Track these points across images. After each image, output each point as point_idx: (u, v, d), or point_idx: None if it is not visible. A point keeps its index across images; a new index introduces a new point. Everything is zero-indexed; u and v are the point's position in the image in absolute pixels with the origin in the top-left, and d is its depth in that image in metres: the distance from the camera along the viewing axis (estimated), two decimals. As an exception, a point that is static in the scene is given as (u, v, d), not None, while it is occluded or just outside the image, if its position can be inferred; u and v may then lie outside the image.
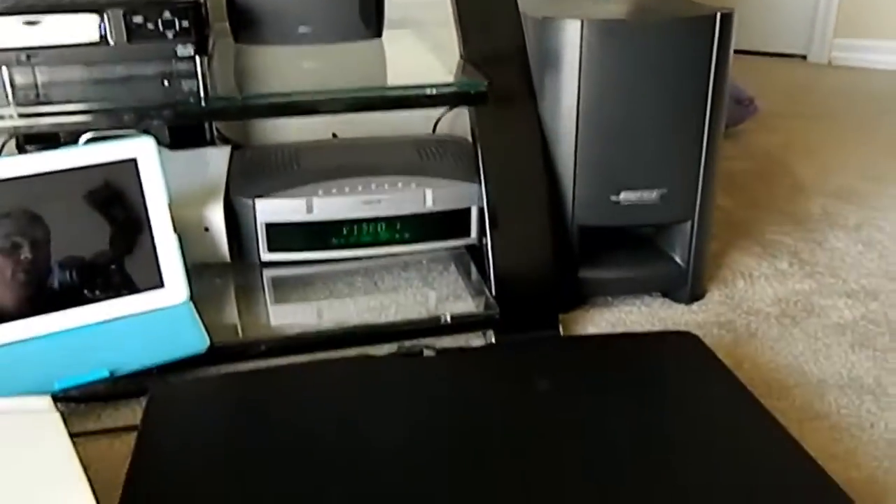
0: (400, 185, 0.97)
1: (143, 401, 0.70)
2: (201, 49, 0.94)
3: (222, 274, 0.99)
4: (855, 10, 2.32)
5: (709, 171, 0.92)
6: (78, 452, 0.57)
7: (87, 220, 0.83)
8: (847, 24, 2.34)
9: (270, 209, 0.95)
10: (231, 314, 0.94)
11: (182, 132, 1.17)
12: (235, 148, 1.10)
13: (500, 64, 0.93)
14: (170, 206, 0.85)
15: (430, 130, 1.25)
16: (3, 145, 1.10)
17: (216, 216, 0.93)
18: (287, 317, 0.94)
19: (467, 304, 0.93)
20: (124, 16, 0.90)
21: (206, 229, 0.94)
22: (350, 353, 0.85)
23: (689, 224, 0.95)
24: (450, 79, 0.95)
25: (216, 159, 1.04)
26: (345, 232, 0.98)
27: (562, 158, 0.92)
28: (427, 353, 0.78)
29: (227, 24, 1.07)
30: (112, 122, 0.82)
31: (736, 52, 0.91)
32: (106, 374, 0.75)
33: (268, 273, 0.99)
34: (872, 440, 0.73)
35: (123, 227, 0.84)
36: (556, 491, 0.58)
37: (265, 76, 1.02)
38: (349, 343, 0.88)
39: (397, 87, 0.92)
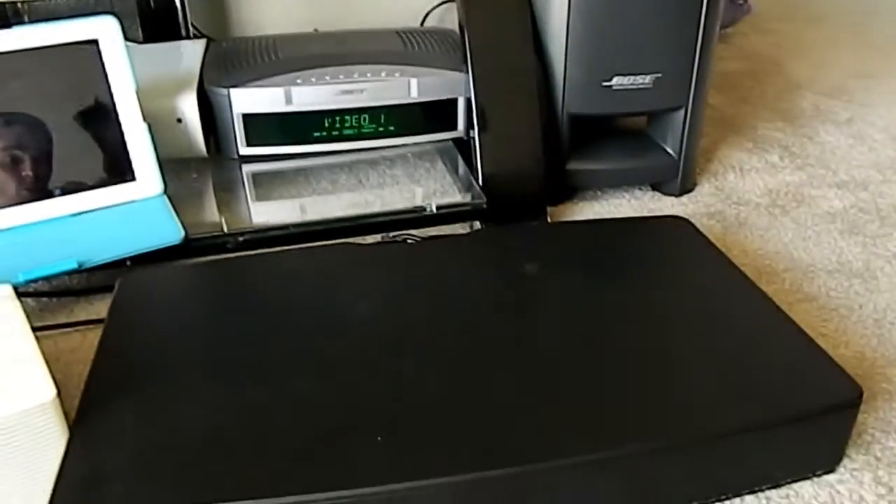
0: (383, 74, 0.93)
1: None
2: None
3: (200, 169, 0.95)
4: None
5: (704, 57, 0.89)
6: (37, 338, 0.55)
7: (50, 108, 0.79)
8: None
9: (247, 99, 0.91)
10: (210, 210, 0.91)
11: (155, 27, 1.12)
12: (211, 41, 1.05)
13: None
14: (138, 94, 0.81)
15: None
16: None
17: (189, 106, 0.90)
18: (268, 213, 0.91)
19: (454, 198, 0.91)
20: None
21: (180, 120, 0.90)
22: (332, 245, 0.83)
23: (681, 113, 0.92)
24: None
25: (190, 52, 1.00)
26: (326, 124, 0.94)
27: (552, 43, 0.88)
28: (410, 241, 0.76)
29: None
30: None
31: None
32: (74, 265, 0.73)
33: (247, 168, 0.96)
34: (861, 320, 0.72)
35: (88, 116, 0.80)
36: (547, 365, 0.56)
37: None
38: (332, 236, 0.85)
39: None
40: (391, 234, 0.85)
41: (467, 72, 0.91)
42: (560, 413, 0.52)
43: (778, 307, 0.62)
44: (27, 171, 0.78)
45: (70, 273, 0.76)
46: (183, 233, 0.77)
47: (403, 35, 1.03)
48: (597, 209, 0.94)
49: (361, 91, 0.93)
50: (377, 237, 0.85)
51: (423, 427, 0.51)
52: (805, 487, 0.55)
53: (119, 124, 0.81)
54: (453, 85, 0.94)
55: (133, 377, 0.56)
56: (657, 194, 0.97)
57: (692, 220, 0.74)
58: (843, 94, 1.29)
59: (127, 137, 0.82)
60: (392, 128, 0.96)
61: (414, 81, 0.93)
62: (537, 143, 0.90)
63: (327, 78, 0.92)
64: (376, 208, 0.90)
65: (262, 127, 0.93)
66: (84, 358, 0.58)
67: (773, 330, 0.60)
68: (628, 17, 0.85)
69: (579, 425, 0.51)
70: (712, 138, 1.12)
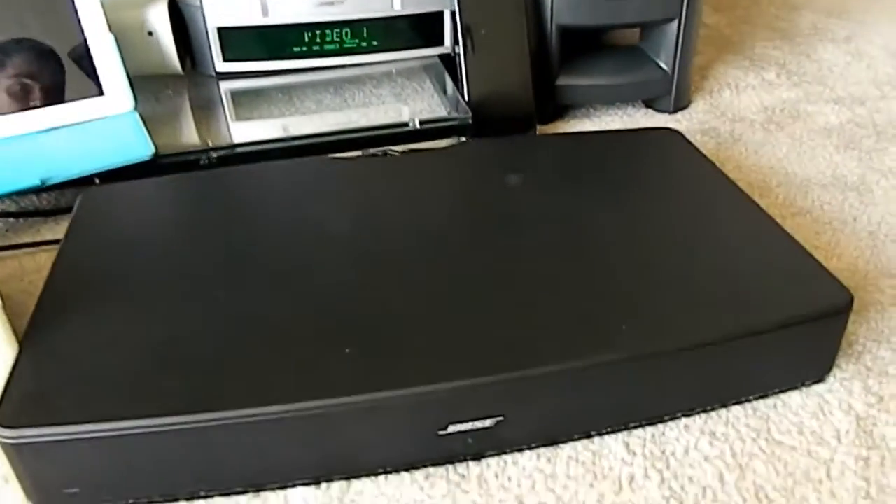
0: (363, -16, 0.89)
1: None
2: None
3: (175, 87, 0.92)
4: None
5: (698, -35, 0.85)
6: None
7: (9, 18, 0.75)
8: None
9: (221, 11, 0.87)
10: (187, 130, 0.88)
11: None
12: (183, -50, 1.00)
13: None
14: (103, 4, 0.77)
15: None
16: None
17: (160, 18, 0.86)
18: (248, 133, 0.88)
19: (439, 114, 0.88)
20: None
21: (150, 34, 0.86)
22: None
23: (674, 25, 0.88)
24: None
25: (160, -40, 0.95)
26: (306, 38, 0.91)
27: (538, -53, 0.84)
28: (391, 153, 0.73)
29: None
30: None
31: None
32: (37, 182, 0.70)
33: (225, 86, 0.92)
34: (854, 232, 0.70)
35: (50, 27, 0.76)
36: (530, 275, 0.54)
37: None
38: (312, 153, 0.82)
39: None
40: (371, 150, 0.81)
41: (452, -19, 0.87)
42: (542, 321, 0.50)
43: (770, 218, 0.60)
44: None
45: (35, 191, 0.73)
46: (153, 149, 0.74)
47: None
48: (588, 127, 0.90)
49: (342, 2, 0.89)
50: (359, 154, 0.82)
51: (399, 338, 0.49)
52: (793, 397, 0.53)
53: (84, 37, 0.77)
54: (439, -5, 0.90)
55: (89, 292, 0.53)
56: (650, 111, 0.94)
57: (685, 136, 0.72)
58: (842, 12, 1.25)
59: (93, 51, 0.78)
60: (375, 43, 0.93)
61: (397, -8, 0.89)
62: (525, 58, 0.87)
63: (305, -12, 0.88)
64: (359, 125, 0.86)
65: (239, 41, 0.89)
66: (40, 278, 0.55)
67: (764, 240, 0.58)
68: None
69: (561, 333, 0.49)
70: (708, 57, 1.08)
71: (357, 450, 0.47)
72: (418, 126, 0.83)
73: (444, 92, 0.92)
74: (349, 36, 0.92)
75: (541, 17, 0.87)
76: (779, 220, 0.60)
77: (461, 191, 0.66)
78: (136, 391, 0.45)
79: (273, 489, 0.48)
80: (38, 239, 0.71)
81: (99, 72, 0.78)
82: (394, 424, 0.47)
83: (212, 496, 0.47)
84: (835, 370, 0.55)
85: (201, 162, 0.78)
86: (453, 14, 0.90)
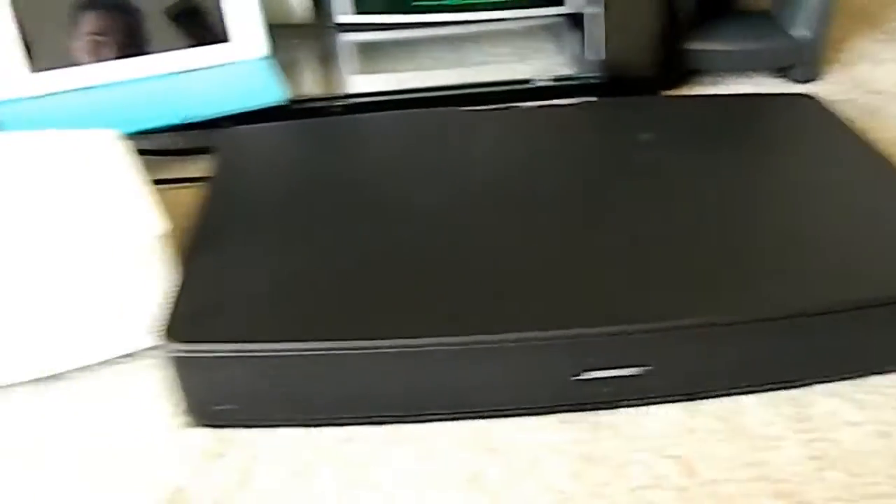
0: (492, -61, 0.88)
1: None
2: None
3: (301, 36, 0.93)
4: None
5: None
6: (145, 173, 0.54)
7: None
8: None
9: (349, -37, 0.88)
10: (308, 79, 0.89)
11: None
12: None
13: None
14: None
15: None
16: None
17: (293, -31, 0.87)
18: (369, 84, 0.89)
19: (564, 73, 0.87)
20: None
21: (284, -16, 0.88)
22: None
23: (814, -12, 0.85)
24: None
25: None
26: (430, -8, 0.90)
27: None
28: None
29: None
30: None
31: None
32: (177, 120, 0.72)
33: (348, 37, 0.93)
34: None
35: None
36: (656, 232, 0.53)
37: None
38: (436, 105, 0.82)
39: None
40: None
41: (583, -63, 0.85)
42: (684, 277, 0.49)
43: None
44: (127, 26, 0.77)
45: (171, 130, 0.75)
46: (286, 94, 0.76)
47: None
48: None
49: (469, -43, 0.88)
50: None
51: (541, 282, 0.48)
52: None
53: (222, -18, 0.79)
54: (567, -46, 0.89)
55: (240, 225, 0.55)
56: (781, 80, 0.90)
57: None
58: None
59: (230, -3, 0.80)
60: None
61: (526, -52, 0.88)
62: (655, 20, 0.84)
63: (434, -59, 0.87)
64: (484, 80, 0.86)
65: (367, -6, 0.90)
66: (183, 212, 0.57)
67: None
68: None
69: (706, 288, 0.48)
70: (843, 28, 1.03)
71: (495, 389, 0.47)
72: (545, 82, 0.82)
73: (568, 51, 0.91)
74: (475, -9, 0.91)
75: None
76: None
77: (590, 148, 0.65)
78: (293, 316, 0.46)
79: (410, 422, 0.48)
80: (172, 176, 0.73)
81: (236, 17, 0.80)
82: (533, 366, 0.46)
83: (351, 424, 0.48)
84: None
85: (330, 110, 0.79)
86: (580, -27, 0.89)
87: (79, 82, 0.75)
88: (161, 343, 0.45)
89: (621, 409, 0.49)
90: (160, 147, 0.78)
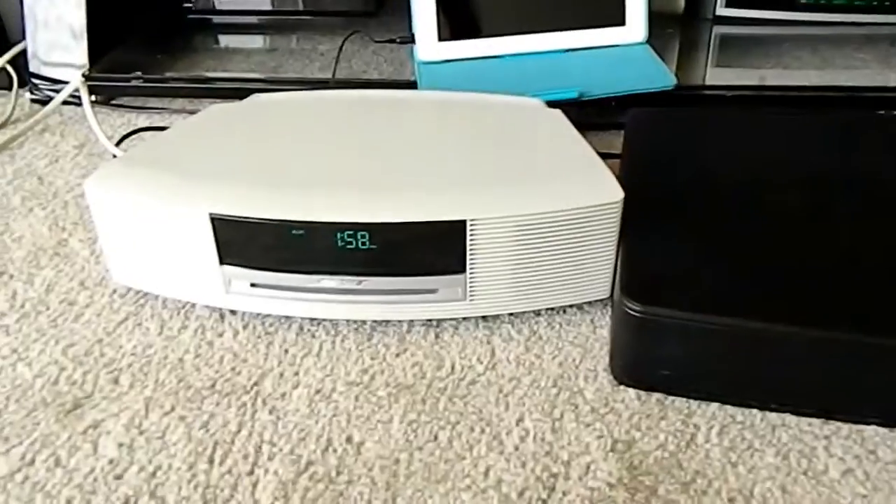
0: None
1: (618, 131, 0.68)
2: None
3: (670, 25, 0.94)
4: None
5: None
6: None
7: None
8: None
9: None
10: (671, 67, 0.90)
11: None
12: None
13: None
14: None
15: None
16: None
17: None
18: (726, 79, 0.88)
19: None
20: None
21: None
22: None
23: None
24: None
25: None
26: (816, -9, 0.88)
27: None
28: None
29: None
30: None
31: None
32: (574, 94, 0.75)
33: (719, 29, 0.93)
34: None
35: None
36: None
37: None
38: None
39: None
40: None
41: None
42: None
43: None
44: (528, 3, 0.81)
45: (563, 104, 0.78)
46: (675, 80, 0.77)
47: None
48: None
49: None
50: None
51: None
52: None
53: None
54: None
55: (663, 200, 0.57)
56: None
57: None
58: None
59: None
60: (885, 1, 0.87)
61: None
62: None
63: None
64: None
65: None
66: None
67: None
68: None
69: None
70: None
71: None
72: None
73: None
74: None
75: None
76: None
77: None
78: (741, 295, 0.47)
79: (844, 420, 0.48)
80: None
81: (626, 3, 0.82)
82: None
83: (783, 412, 0.49)
84: None
85: (716, 98, 0.79)
86: None
87: (481, 52, 0.81)
88: (616, 300, 0.48)
89: None
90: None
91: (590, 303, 0.57)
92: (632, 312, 0.47)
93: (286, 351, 0.55)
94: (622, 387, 0.51)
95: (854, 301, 0.47)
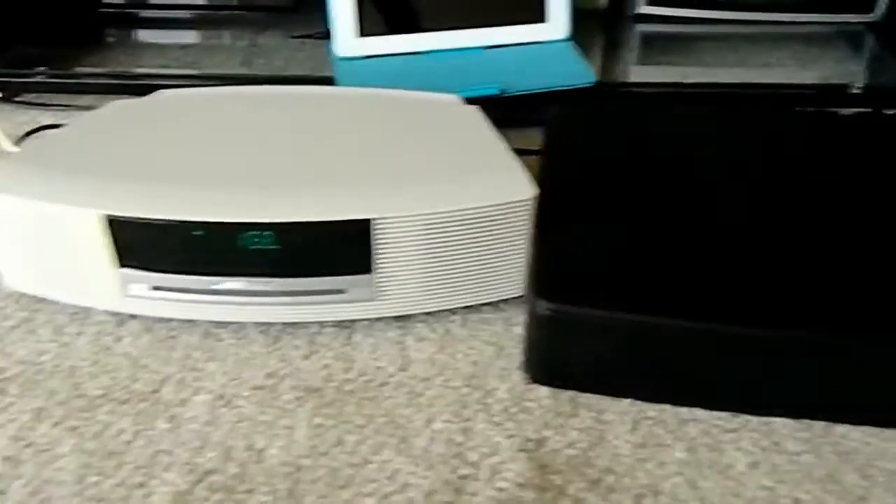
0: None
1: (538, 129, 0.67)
2: None
3: (592, 22, 0.94)
4: None
5: None
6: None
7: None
8: None
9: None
10: (594, 65, 0.90)
11: None
12: None
13: None
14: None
15: None
16: None
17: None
18: (649, 77, 0.88)
19: (869, 81, 0.83)
20: None
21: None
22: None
23: None
24: None
25: None
26: (735, -12, 0.89)
27: None
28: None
29: None
30: None
31: None
32: (495, 90, 0.74)
33: (640, 28, 0.93)
34: None
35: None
36: None
37: None
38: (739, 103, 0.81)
39: None
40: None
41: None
42: None
43: None
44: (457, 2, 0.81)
45: (482, 100, 0.78)
46: (595, 77, 0.77)
47: None
48: None
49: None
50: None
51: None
52: None
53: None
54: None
55: (581, 196, 0.56)
56: None
57: None
58: None
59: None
60: (804, 1, 0.89)
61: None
62: None
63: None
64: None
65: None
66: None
67: None
68: None
69: None
70: None
71: (851, 393, 0.46)
72: (857, 91, 0.79)
73: (873, 60, 0.87)
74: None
75: None
76: None
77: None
78: (653, 290, 0.47)
79: (753, 413, 0.48)
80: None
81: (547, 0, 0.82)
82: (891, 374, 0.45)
83: (693, 406, 0.48)
84: None
85: (629, 96, 0.79)
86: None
87: (402, 48, 0.79)
88: (527, 298, 0.47)
89: None
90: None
91: (506, 300, 0.56)
92: (541, 310, 0.46)
93: (188, 356, 0.53)
94: (535, 385, 0.51)
95: (762, 295, 0.47)
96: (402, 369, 0.52)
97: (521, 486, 0.44)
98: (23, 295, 0.57)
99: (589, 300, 0.46)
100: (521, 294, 0.55)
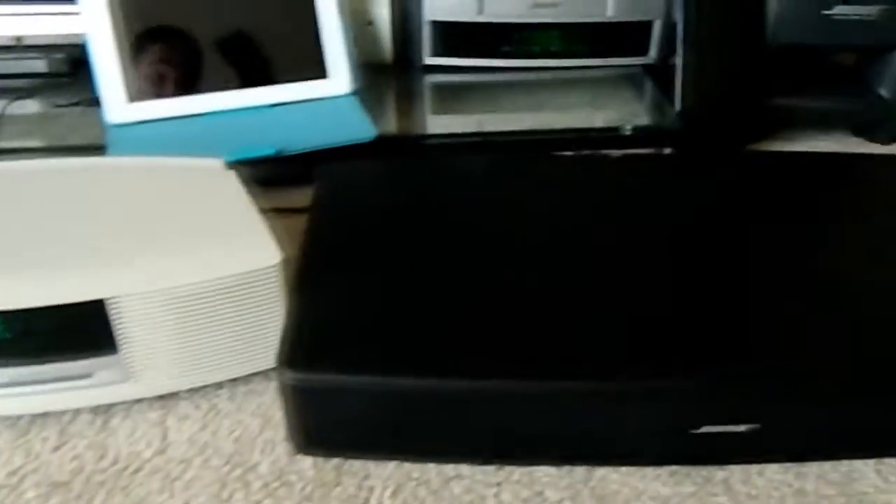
0: (580, -12, 0.89)
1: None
2: None
3: (382, 75, 0.95)
4: None
5: (940, -13, 0.81)
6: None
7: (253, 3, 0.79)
8: None
9: (439, 5, 0.89)
10: (390, 117, 0.91)
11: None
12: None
13: None
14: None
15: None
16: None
17: (381, 10, 0.89)
18: (449, 125, 0.90)
19: (643, 122, 0.87)
20: None
21: (370, 24, 0.90)
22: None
23: (903, 50, 0.85)
24: None
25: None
26: (515, 38, 0.92)
27: (771, -40, 0.82)
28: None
29: None
30: None
31: None
32: (272, 151, 0.73)
33: (430, 78, 0.95)
34: None
35: (288, 10, 0.81)
36: (746, 289, 0.53)
37: None
38: (517, 150, 0.83)
39: None
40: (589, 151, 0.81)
41: (671, -10, 0.87)
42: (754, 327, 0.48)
43: None
44: (233, 61, 0.79)
45: (266, 160, 0.76)
46: (375, 131, 0.77)
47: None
48: (798, 150, 0.87)
49: (555, 5, 0.90)
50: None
51: (641, 329, 0.48)
52: None
53: (318, 22, 0.81)
54: (652, 6, 0.90)
55: (344, 255, 0.56)
56: (862, 141, 0.90)
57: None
58: None
59: (325, 36, 0.82)
60: (581, 47, 0.93)
61: (612, -1, 0.89)
62: (743, 73, 0.85)
63: (523, -12, 0.89)
64: (567, 126, 0.86)
65: (451, 36, 0.92)
66: (287, 241, 0.58)
67: None
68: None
69: (815, 348, 0.47)
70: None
71: (607, 437, 0.47)
72: (629, 132, 0.83)
73: (648, 100, 0.92)
74: (558, 39, 0.92)
75: (758, 32, 0.85)
76: None
77: (682, 201, 0.65)
78: (404, 350, 0.46)
79: (517, 464, 0.48)
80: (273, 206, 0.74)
81: (328, 55, 0.82)
82: (648, 416, 0.46)
83: (458, 462, 0.48)
84: None
85: (415, 149, 0.80)
86: (664, 23, 0.90)
87: (178, 111, 0.77)
88: (277, 370, 0.46)
89: (731, 466, 0.48)
90: (255, 176, 0.80)
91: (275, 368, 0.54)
92: (286, 380, 0.45)
93: (-86, 463, 0.48)
94: (300, 456, 0.49)
95: (511, 346, 0.47)
96: (160, 452, 0.49)
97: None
98: None
99: (334, 366, 0.45)
100: (287, 361, 0.53)
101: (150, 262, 0.48)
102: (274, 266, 0.49)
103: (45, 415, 0.51)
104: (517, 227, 0.59)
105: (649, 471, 0.48)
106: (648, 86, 0.92)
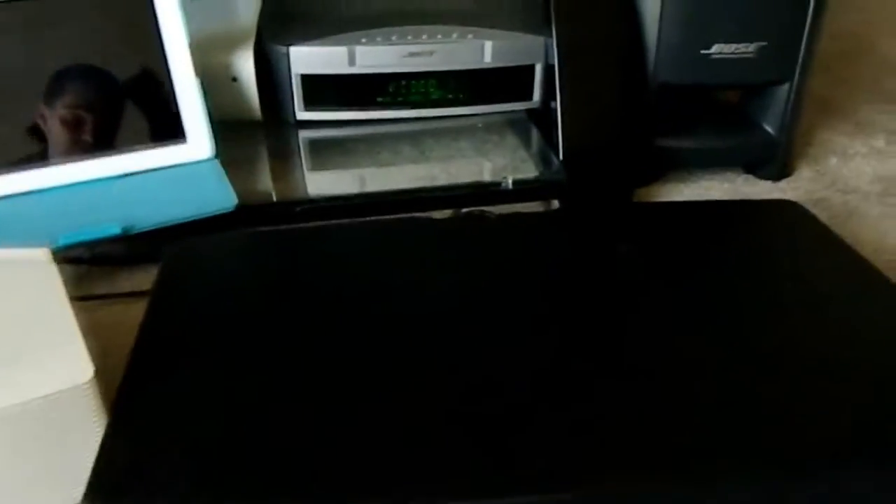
0: (455, 35, 0.85)
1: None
2: None
3: (253, 133, 0.88)
4: None
5: (815, 26, 0.80)
6: (73, 305, 0.48)
7: (93, 60, 0.72)
8: None
9: (307, 58, 0.84)
10: (263, 178, 0.84)
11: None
12: (268, -5, 0.98)
13: None
14: (191, 48, 0.74)
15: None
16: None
17: (246, 64, 0.83)
18: (325, 184, 0.84)
19: (530, 173, 0.83)
20: None
21: (235, 80, 0.84)
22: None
23: (785, 87, 0.83)
24: None
25: (246, 3, 0.93)
26: (391, 89, 0.87)
27: (646, 1, 0.79)
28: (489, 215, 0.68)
29: None
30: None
31: None
32: (117, 230, 0.66)
33: (304, 134, 0.89)
34: None
35: (137, 71, 0.74)
36: (641, 359, 0.48)
37: None
38: (396, 210, 0.78)
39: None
40: (463, 210, 0.77)
41: (549, 35, 0.83)
42: (681, 422, 0.44)
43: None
44: (75, 129, 0.72)
45: (113, 239, 0.69)
46: (235, 200, 0.70)
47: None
48: (686, 193, 0.85)
49: (430, 54, 0.85)
50: (446, 213, 0.77)
51: (517, 434, 0.43)
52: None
53: (171, 81, 0.74)
54: (532, 50, 0.86)
55: (181, 352, 0.49)
56: (751, 178, 0.88)
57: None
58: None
59: (178, 95, 0.75)
60: (461, 95, 0.89)
61: (489, 45, 0.85)
62: (624, 117, 0.82)
63: (394, 38, 0.84)
64: (444, 182, 0.82)
65: (322, 89, 0.86)
66: (127, 331, 0.51)
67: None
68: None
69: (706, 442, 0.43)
70: (808, 121, 1.02)
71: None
72: (510, 186, 0.79)
73: (532, 147, 0.88)
74: (435, 87, 0.88)
75: (642, 72, 0.82)
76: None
77: (567, 262, 0.61)
78: (222, 479, 0.40)
79: None
80: (115, 290, 0.67)
81: (183, 117, 0.75)
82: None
83: None
84: None
85: (282, 216, 0.74)
86: (546, 68, 0.86)
87: (8, 189, 0.69)
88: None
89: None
90: (100, 255, 0.72)
91: None
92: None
93: None
94: None
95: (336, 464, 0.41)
96: None
97: None
98: None
99: (137, 499, 0.38)
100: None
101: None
102: (83, 385, 0.42)
103: None
104: (385, 308, 0.54)
105: None
106: (534, 133, 0.88)
